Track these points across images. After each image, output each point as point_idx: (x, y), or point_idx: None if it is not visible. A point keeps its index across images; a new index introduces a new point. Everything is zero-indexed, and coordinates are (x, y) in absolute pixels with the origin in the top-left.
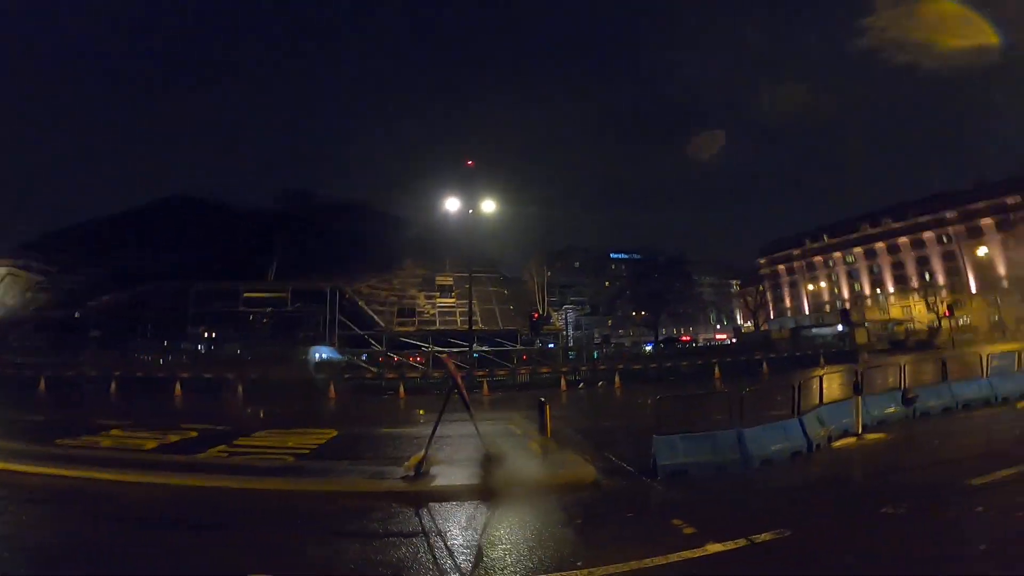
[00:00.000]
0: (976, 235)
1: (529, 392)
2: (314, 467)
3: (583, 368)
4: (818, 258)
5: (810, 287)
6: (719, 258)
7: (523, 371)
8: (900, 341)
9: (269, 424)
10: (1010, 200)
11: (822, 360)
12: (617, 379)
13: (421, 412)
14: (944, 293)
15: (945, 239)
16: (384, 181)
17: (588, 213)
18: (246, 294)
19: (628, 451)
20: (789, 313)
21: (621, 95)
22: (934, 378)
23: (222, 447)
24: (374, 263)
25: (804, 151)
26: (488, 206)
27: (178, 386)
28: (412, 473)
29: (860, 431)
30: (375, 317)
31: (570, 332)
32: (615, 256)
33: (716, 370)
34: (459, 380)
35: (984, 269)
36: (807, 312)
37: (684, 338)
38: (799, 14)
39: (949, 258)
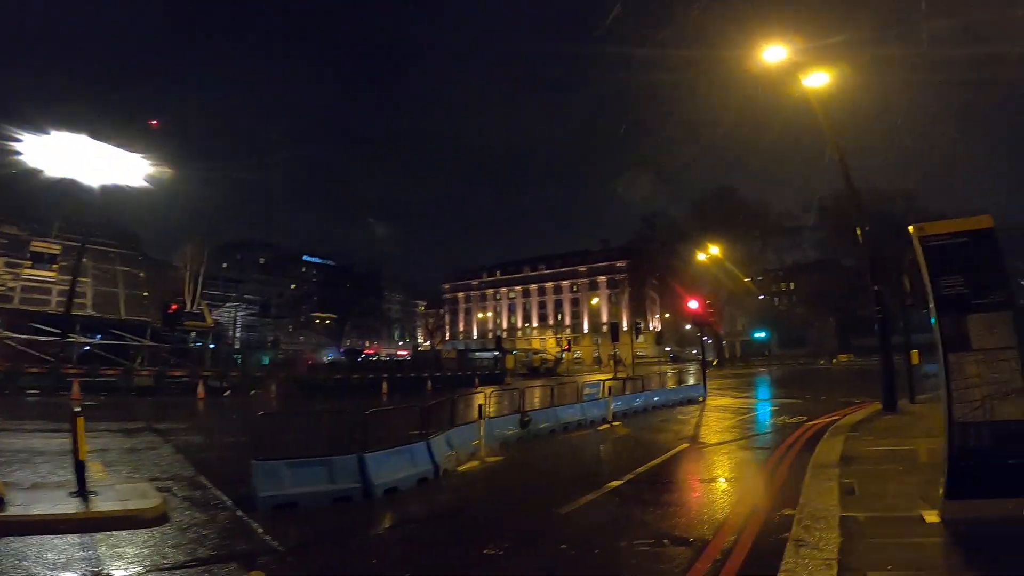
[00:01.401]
0: (595, 288)
1: (153, 399)
2: None
3: (233, 373)
4: (490, 290)
5: (480, 315)
6: (410, 279)
7: (145, 372)
8: (535, 368)
9: None
10: (619, 264)
11: (477, 381)
12: (273, 388)
13: None
14: (568, 331)
15: (575, 288)
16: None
17: (288, 211)
18: None
19: (237, 476)
20: (462, 336)
21: (340, 100)
22: (545, 402)
23: None
24: None
25: (504, 192)
26: (143, 168)
27: None
28: None
29: (484, 454)
30: None
31: (237, 332)
32: (309, 259)
33: (384, 385)
34: None
35: (595, 315)
36: (475, 336)
37: (369, 351)
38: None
39: (575, 303)
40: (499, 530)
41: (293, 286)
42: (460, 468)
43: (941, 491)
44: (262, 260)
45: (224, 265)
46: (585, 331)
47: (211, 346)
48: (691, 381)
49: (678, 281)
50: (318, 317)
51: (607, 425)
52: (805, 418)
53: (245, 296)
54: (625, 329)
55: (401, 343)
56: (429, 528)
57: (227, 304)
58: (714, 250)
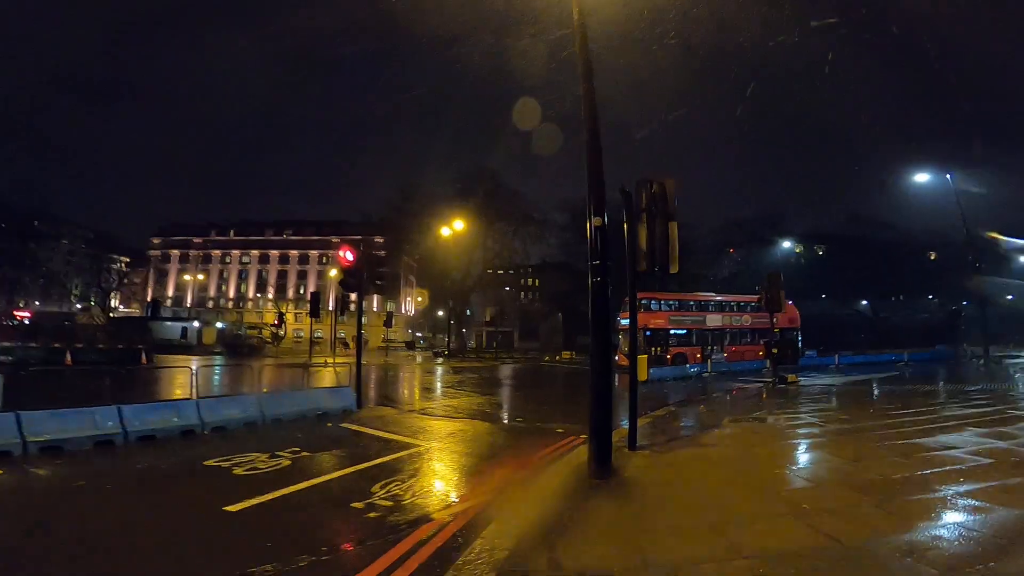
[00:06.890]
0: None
1: None
2: None
3: None
4: (217, 252)
5: (189, 278)
6: (108, 229)
7: None
8: (236, 345)
9: None
10: (377, 239)
11: (69, 357)
12: None
13: None
14: (292, 305)
15: (324, 260)
16: None
17: None
18: None
19: None
20: (169, 302)
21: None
22: None
23: None
24: None
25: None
26: None
27: None
28: None
29: None
30: None
31: None
32: None
33: None
34: None
35: (341, 291)
36: (189, 303)
37: (21, 314)
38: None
39: (322, 276)
40: None
41: None
42: None
43: None
44: None
45: None
46: (331, 308)
47: None
48: (345, 382)
49: (430, 262)
50: None
51: None
52: (452, 493)
53: None
54: (376, 309)
55: (80, 305)
56: None
57: None
58: (458, 224)
